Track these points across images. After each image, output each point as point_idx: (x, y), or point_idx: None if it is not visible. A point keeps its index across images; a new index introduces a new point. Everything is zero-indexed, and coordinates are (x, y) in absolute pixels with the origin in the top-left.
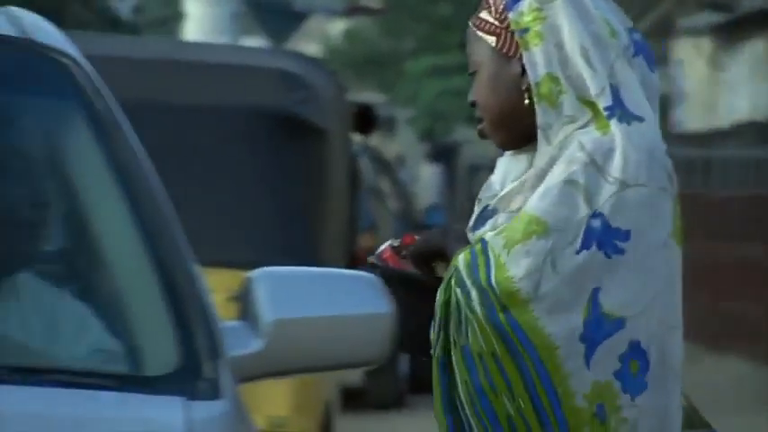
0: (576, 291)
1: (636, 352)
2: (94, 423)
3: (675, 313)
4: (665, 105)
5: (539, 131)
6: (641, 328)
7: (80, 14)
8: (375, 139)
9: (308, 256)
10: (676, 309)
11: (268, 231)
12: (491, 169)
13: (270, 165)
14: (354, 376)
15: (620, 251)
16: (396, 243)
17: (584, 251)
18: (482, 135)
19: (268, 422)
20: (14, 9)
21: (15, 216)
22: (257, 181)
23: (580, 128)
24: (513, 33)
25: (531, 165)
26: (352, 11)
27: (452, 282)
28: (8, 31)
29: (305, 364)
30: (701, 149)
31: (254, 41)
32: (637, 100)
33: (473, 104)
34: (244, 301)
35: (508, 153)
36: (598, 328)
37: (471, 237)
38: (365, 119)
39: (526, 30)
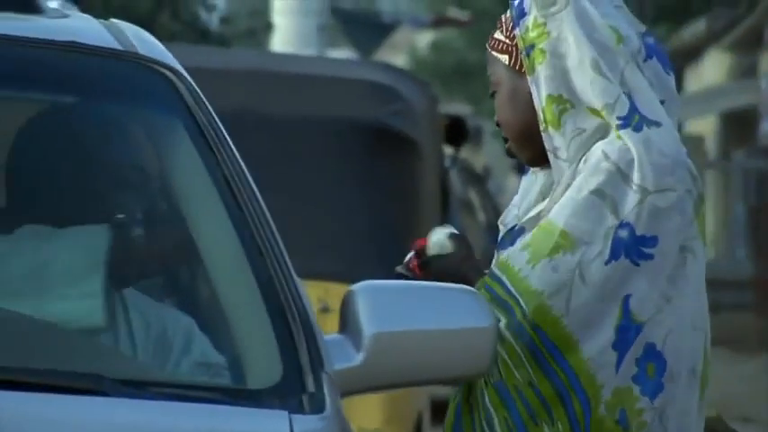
0: (607, 301)
1: (651, 354)
2: None
3: (698, 315)
4: (752, 118)
5: (549, 155)
6: (657, 331)
7: (169, 26)
8: (463, 151)
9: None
10: (699, 310)
11: (359, 243)
12: None
13: (362, 176)
14: (445, 388)
15: (649, 257)
16: None
17: (613, 261)
18: (510, 154)
19: None
20: (118, 22)
21: (123, 229)
22: (349, 192)
23: (600, 138)
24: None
25: (549, 182)
26: (440, 22)
27: None
28: (112, 44)
29: (405, 378)
30: None
31: (341, 53)
32: (651, 104)
33: (498, 125)
34: (344, 315)
35: (530, 172)
36: (628, 334)
37: (497, 256)
38: (456, 131)
39: (532, 46)
